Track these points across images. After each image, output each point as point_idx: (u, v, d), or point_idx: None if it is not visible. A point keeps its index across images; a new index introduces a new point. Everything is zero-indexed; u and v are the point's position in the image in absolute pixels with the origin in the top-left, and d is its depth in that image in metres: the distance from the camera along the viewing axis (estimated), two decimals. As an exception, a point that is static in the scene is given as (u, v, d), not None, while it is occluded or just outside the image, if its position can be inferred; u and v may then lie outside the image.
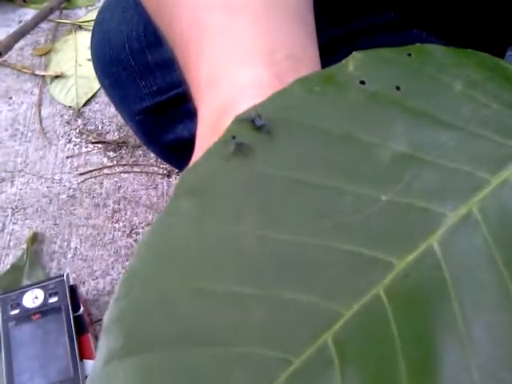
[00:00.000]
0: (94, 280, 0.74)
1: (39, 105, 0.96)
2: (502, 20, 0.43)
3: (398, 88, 0.21)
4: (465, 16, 0.44)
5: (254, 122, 0.20)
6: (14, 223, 0.82)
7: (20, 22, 1.11)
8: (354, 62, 0.22)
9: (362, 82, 0.21)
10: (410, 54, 0.22)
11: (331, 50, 0.43)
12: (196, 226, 0.18)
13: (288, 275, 0.18)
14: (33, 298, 0.61)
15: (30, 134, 0.92)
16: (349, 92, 0.21)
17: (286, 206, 0.19)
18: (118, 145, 0.89)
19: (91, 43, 0.56)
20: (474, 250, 0.18)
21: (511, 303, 0.18)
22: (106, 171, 0.85)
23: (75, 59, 1.01)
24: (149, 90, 0.53)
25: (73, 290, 0.64)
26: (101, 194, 0.83)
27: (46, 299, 0.61)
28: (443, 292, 0.18)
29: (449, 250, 0.18)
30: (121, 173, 0.85)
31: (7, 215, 0.83)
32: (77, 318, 0.61)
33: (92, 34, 0.55)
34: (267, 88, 0.24)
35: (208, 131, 0.25)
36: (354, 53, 0.22)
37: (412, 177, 0.20)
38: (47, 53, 1.05)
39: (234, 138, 0.20)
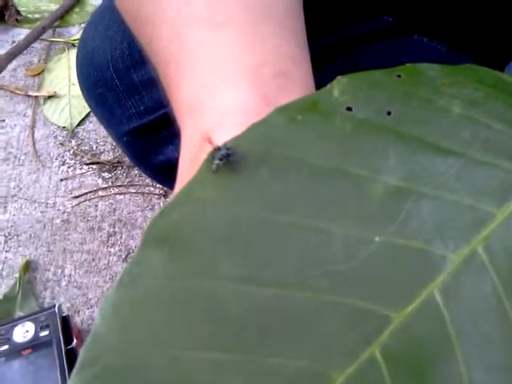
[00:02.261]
0: (88, 309, 0.72)
1: (32, 127, 0.94)
2: (509, 21, 0.41)
3: (388, 113, 0.20)
4: (468, 18, 0.42)
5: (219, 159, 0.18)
6: (6, 251, 0.80)
7: (13, 42, 1.10)
8: (339, 86, 0.20)
9: (349, 109, 0.20)
10: (399, 76, 0.21)
11: (325, 60, 0.41)
12: (167, 279, 0.17)
13: (271, 336, 0.16)
14: (23, 332, 0.59)
15: (23, 158, 0.91)
16: (334, 120, 0.20)
17: (268, 253, 0.17)
18: (113, 165, 0.87)
19: (76, 63, 0.54)
20: (481, 299, 0.17)
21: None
22: (100, 193, 0.83)
23: (68, 78, 1.00)
24: (136, 110, 0.51)
25: (65, 321, 0.61)
26: (96, 217, 0.81)
27: (36, 333, 0.59)
28: (447, 351, 0.16)
29: (452, 299, 0.17)
30: (116, 194, 0.83)
31: (0, 243, 0.81)
32: (69, 351, 0.59)
33: (77, 54, 0.54)
34: (252, 114, 0.22)
35: (188, 164, 0.24)
36: (338, 77, 0.20)
37: (408, 213, 0.18)
38: (40, 73, 1.04)
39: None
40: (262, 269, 0.17)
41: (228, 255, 0.17)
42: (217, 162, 0.18)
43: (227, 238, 0.17)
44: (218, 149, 0.18)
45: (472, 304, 0.17)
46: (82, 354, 0.15)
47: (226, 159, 0.18)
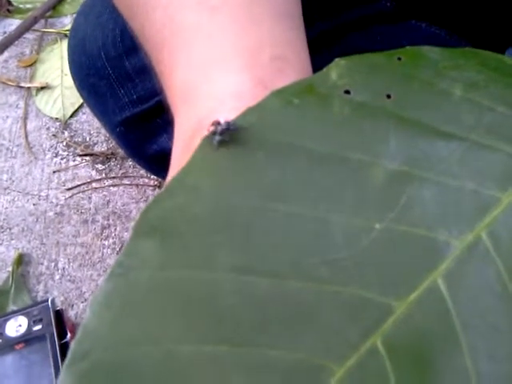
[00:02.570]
0: (82, 303, 0.72)
1: (25, 118, 0.93)
2: (508, 6, 0.40)
3: (388, 96, 0.19)
4: (468, 3, 0.41)
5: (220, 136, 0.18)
6: (-1, 244, 0.79)
7: (4, 33, 1.08)
8: (336, 69, 0.20)
9: (347, 92, 0.19)
10: (400, 58, 0.20)
11: (323, 44, 0.40)
12: (159, 270, 0.16)
13: (270, 328, 0.15)
14: (16, 326, 0.58)
15: (15, 150, 0.90)
16: (332, 104, 0.19)
17: (266, 243, 0.17)
18: (107, 156, 0.86)
19: (68, 52, 0.53)
20: (486, 287, 0.16)
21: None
22: (94, 185, 0.82)
23: (61, 69, 0.99)
24: (129, 99, 0.50)
25: (59, 315, 0.60)
26: (89, 209, 0.81)
27: (29, 327, 0.58)
28: (452, 341, 0.16)
29: (455, 286, 0.16)
30: (110, 186, 0.82)
31: (-8, 236, 0.81)
32: (63, 345, 0.58)
33: (68, 43, 0.53)
34: (249, 98, 0.21)
35: (181, 151, 0.23)
36: (336, 59, 0.20)
37: (409, 199, 0.17)
38: (33, 64, 1.03)
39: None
40: (260, 258, 0.16)
41: (224, 245, 0.16)
42: (218, 137, 0.17)
43: (222, 227, 0.17)
44: (218, 123, 0.18)
45: (476, 292, 0.16)
46: (72, 348, 0.15)
47: (227, 133, 0.17)
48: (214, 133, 0.18)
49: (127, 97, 0.50)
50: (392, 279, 0.16)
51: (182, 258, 0.16)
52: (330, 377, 0.15)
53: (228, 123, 0.18)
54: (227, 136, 0.17)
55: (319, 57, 0.29)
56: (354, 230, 0.17)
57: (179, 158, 0.23)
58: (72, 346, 0.15)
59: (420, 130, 0.19)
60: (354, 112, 0.19)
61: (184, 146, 0.22)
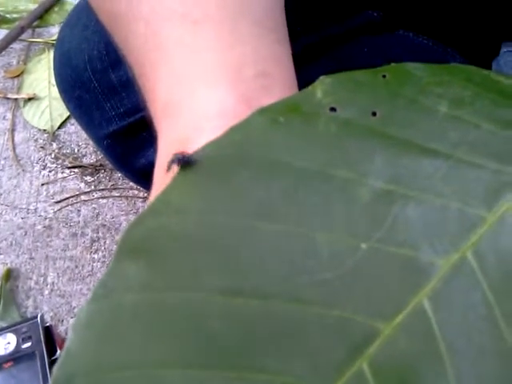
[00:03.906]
0: (72, 318, 0.71)
1: (12, 130, 0.92)
2: (495, 15, 0.40)
3: (374, 114, 0.19)
4: (455, 12, 0.41)
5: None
6: (-13, 259, 0.78)
7: (-9, 43, 1.07)
8: (322, 87, 0.20)
9: (333, 109, 0.19)
10: (385, 76, 0.20)
11: (309, 57, 0.40)
12: (143, 292, 0.16)
13: (257, 351, 0.15)
14: (4, 344, 0.57)
15: (2, 162, 0.89)
16: (318, 121, 0.19)
17: (252, 263, 0.16)
18: (96, 168, 0.86)
19: (54, 64, 0.53)
20: (471, 308, 0.16)
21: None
22: (83, 197, 0.82)
23: (48, 79, 0.98)
24: (115, 113, 0.50)
25: (49, 331, 0.59)
26: (78, 222, 0.80)
27: (18, 344, 0.57)
28: (437, 364, 0.16)
29: (441, 307, 0.16)
30: (99, 198, 0.82)
31: (-20, 251, 0.80)
32: (53, 362, 0.57)
33: (54, 54, 0.53)
34: (232, 116, 0.21)
35: (162, 172, 0.22)
36: (321, 77, 0.20)
37: (395, 219, 0.17)
38: (20, 74, 1.02)
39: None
40: (246, 280, 0.16)
41: (209, 266, 0.16)
42: (176, 169, 0.18)
43: (208, 248, 0.16)
44: (179, 156, 0.18)
45: (462, 313, 0.16)
46: (54, 373, 0.15)
47: (188, 166, 0.18)
48: (172, 161, 0.18)
49: (114, 110, 0.50)
50: (378, 301, 0.16)
51: (166, 279, 0.16)
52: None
53: (188, 158, 0.18)
54: (187, 167, 0.18)
55: (306, 69, 0.28)
56: (340, 250, 0.17)
57: (162, 176, 0.22)
58: (54, 370, 0.15)
59: (405, 148, 0.19)
60: (339, 130, 0.19)
61: (165, 167, 0.22)
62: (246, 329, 0.15)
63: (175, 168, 0.18)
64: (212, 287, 0.16)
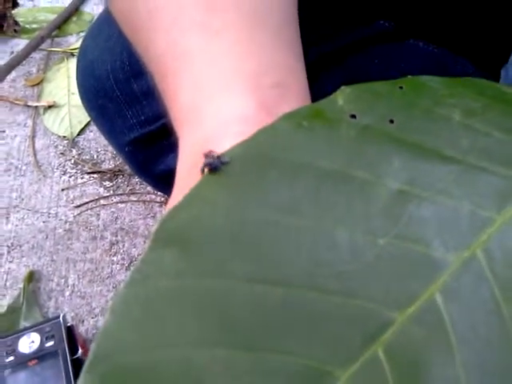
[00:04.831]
0: (93, 318, 0.72)
1: (33, 137, 0.94)
2: (504, 24, 0.41)
3: (391, 121, 0.20)
4: (464, 21, 0.42)
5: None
6: (10, 261, 0.80)
7: (12, 53, 1.10)
8: (342, 95, 0.21)
9: (353, 116, 0.20)
10: (401, 87, 0.21)
11: (322, 67, 0.41)
12: (178, 279, 0.17)
13: (281, 335, 0.16)
14: (29, 343, 0.59)
15: (24, 168, 0.91)
16: (340, 127, 0.20)
17: (278, 255, 0.18)
18: (114, 173, 0.87)
19: (76, 74, 0.54)
20: (480, 303, 0.17)
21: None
22: (102, 202, 0.83)
23: (68, 88, 1.00)
24: (136, 120, 0.51)
25: (70, 331, 0.61)
26: (98, 226, 0.81)
27: (42, 343, 0.58)
28: (446, 352, 0.16)
29: (452, 301, 0.17)
30: (118, 203, 0.83)
31: (3, 253, 0.81)
32: (75, 360, 0.59)
33: (77, 65, 0.54)
34: (253, 123, 0.22)
35: (187, 171, 0.24)
36: (342, 87, 0.21)
37: (410, 217, 0.18)
38: (39, 83, 1.04)
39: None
40: (271, 269, 0.17)
41: (238, 255, 0.17)
42: (207, 170, 0.19)
43: (237, 239, 0.17)
44: (210, 156, 0.19)
45: (471, 306, 0.17)
46: (92, 349, 0.15)
47: (218, 165, 0.19)
48: (206, 164, 0.19)
49: (135, 118, 0.50)
50: (393, 292, 0.17)
51: (198, 266, 0.17)
52: (335, 382, 0.16)
53: (219, 157, 0.19)
54: (219, 167, 0.19)
55: (319, 78, 0.29)
56: (359, 244, 0.18)
57: (185, 177, 0.23)
58: (92, 347, 0.15)
59: (420, 153, 0.20)
60: (359, 135, 0.20)
61: (191, 165, 0.23)
62: (270, 314, 0.16)
63: (205, 166, 0.19)
64: (239, 275, 0.17)
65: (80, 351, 0.60)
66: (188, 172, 0.23)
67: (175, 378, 0.15)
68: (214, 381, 0.15)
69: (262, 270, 0.17)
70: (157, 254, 0.17)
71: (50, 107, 0.98)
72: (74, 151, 0.92)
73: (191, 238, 0.17)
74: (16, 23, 1.10)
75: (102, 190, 0.86)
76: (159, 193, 0.84)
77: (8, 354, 0.58)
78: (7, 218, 0.85)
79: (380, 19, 0.44)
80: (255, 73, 0.24)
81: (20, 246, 0.82)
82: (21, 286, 0.77)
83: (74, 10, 1.13)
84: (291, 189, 0.19)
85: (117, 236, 0.80)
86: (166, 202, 0.83)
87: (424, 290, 0.17)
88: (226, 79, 0.24)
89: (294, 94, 0.25)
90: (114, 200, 0.84)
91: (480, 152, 0.20)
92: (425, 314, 0.17)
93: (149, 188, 0.85)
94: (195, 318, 0.16)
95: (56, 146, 0.93)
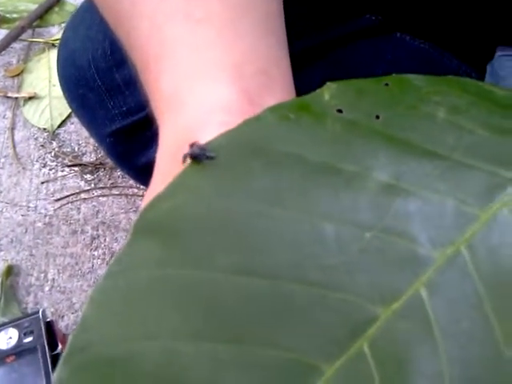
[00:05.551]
0: (73, 313, 0.71)
1: (12, 129, 0.93)
2: (490, 19, 0.41)
3: (377, 117, 0.20)
4: (450, 16, 0.42)
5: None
6: (-12, 256, 0.79)
7: (-9, 43, 1.08)
8: (328, 91, 0.21)
9: (339, 111, 0.20)
10: (387, 84, 0.21)
11: (308, 60, 0.41)
12: (159, 269, 0.16)
13: (266, 327, 0.16)
14: (7, 339, 0.58)
15: (3, 160, 0.89)
16: (326, 121, 0.20)
17: (262, 246, 0.17)
18: (96, 167, 0.86)
19: (57, 64, 0.53)
20: (463, 297, 0.17)
21: (499, 360, 0.16)
22: (83, 195, 0.82)
23: (49, 79, 0.99)
24: (118, 111, 0.50)
25: (50, 326, 0.60)
26: (78, 220, 0.80)
27: (20, 339, 0.57)
28: (430, 346, 0.16)
29: (436, 295, 0.17)
30: (99, 196, 0.82)
31: (-19, 247, 0.80)
32: (55, 356, 0.58)
33: (58, 54, 0.53)
34: (236, 112, 0.22)
35: (168, 160, 0.23)
36: (328, 83, 0.21)
37: (396, 211, 0.18)
38: (20, 73, 1.02)
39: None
40: (256, 261, 0.17)
41: (222, 246, 0.17)
42: (189, 160, 0.18)
43: (220, 230, 0.17)
44: (195, 146, 0.18)
45: (455, 302, 0.17)
46: (70, 340, 0.15)
47: (203, 156, 0.18)
48: (190, 154, 0.18)
49: (117, 108, 0.50)
50: (379, 286, 0.17)
51: (180, 257, 0.17)
52: (320, 376, 0.16)
53: (204, 148, 0.18)
54: (202, 158, 0.18)
55: (304, 72, 0.29)
56: (345, 237, 0.18)
57: (166, 166, 0.23)
58: (70, 338, 0.15)
59: (406, 148, 0.20)
60: (345, 129, 0.20)
61: (172, 154, 0.23)
62: (255, 306, 0.16)
63: (188, 156, 0.18)
64: (223, 266, 0.16)
65: (60, 347, 0.59)
66: (169, 160, 0.23)
67: (156, 369, 0.15)
68: (196, 374, 0.15)
69: (246, 261, 0.17)
70: (137, 244, 0.17)
71: (30, 98, 0.97)
72: (55, 143, 0.91)
73: (173, 229, 0.17)
74: (-5, 12, 1.08)
75: (82, 183, 0.85)
76: (142, 186, 0.83)
77: (-15, 350, 0.57)
78: (-15, 211, 0.84)
79: (367, 13, 0.44)
80: (238, 62, 0.24)
81: (-2, 240, 0.81)
82: (-1, 280, 0.76)
83: (56, 1, 1.11)
84: (277, 180, 0.18)
85: (98, 230, 0.79)
86: (148, 196, 0.82)
87: (409, 285, 0.17)
88: (209, 67, 0.24)
89: (278, 83, 0.24)
90: (95, 194, 0.84)
91: (465, 149, 0.20)
92: (410, 309, 0.17)
93: (131, 182, 0.84)
94: (177, 310, 0.16)
95: (36, 138, 0.92)
